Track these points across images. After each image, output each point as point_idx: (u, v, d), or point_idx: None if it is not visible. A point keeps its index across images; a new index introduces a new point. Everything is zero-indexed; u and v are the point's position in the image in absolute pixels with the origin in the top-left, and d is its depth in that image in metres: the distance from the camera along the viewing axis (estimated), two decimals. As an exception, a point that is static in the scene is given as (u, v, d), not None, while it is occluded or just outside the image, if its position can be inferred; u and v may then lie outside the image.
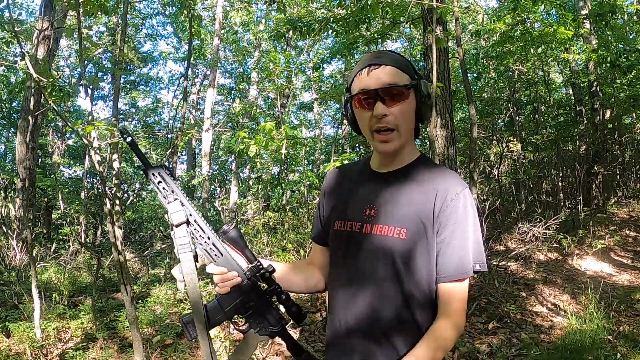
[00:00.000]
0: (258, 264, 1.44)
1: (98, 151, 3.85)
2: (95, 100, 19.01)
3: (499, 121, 12.24)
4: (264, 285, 1.46)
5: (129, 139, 1.35)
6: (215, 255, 1.42)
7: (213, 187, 19.72)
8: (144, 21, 19.18)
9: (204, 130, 12.96)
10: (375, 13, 6.44)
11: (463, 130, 11.81)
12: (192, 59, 17.08)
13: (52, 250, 8.35)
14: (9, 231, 7.17)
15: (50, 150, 16.82)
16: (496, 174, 10.51)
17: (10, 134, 17.64)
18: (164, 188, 1.38)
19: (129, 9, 16.44)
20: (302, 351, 1.49)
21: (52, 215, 12.55)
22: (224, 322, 1.50)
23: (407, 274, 1.41)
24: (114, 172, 4.05)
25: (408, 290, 1.41)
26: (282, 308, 1.50)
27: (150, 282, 7.54)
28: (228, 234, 1.44)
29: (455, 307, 1.40)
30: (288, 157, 12.07)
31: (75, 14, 5.91)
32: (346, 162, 4.48)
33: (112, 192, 4.18)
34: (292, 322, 1.51)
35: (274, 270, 1.45)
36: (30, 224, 7.28)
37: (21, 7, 17.70)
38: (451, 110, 6.74)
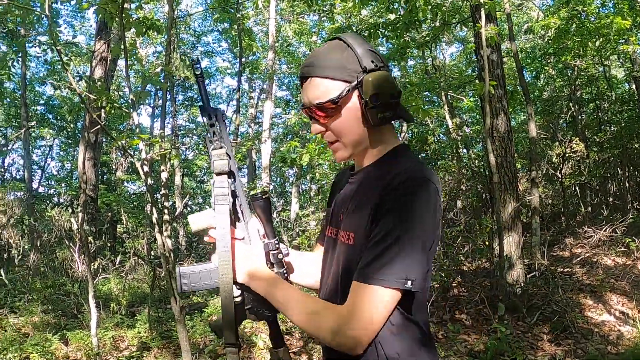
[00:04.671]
0: (275, 242, 1.37)
1: (146, 162, 3.92)
2: (156, 117, 19.69)
3: (561, 121, 11.77)
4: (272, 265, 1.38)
5: (198, 72, 1.31)
6: (238, 219, 1.36)
7: (274, 199, 19.96)
8: (199, 39, 19.76)
9: (263, 142, 13.10)
10: (424, 15, 6.32)
11: (524, 133, 11.43)
12: (247, 73, 17.45)
13: (116, 262, 8.62)
14: (71, 244, 7.47)
15: (114, 167, 17.54)
16: (559, 176, 10.10)
17: (76, 153, 18.49)
18: (214, 132, 1.32)
19: (182, 28, 17.05)
20: (282, 344, 1.41)
21: (117, 229, 13.01)
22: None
23: (347, 284, 1.23)
24: (162, 183, 4.11)
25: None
26: None
27: (209, 293, 7.63)
28: (258, 202, 1.37)
29: (353, 306, 1.16)
30: (347, 166, 12.03)
31: (131, 35, 6.12)
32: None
33: (162, 202, 4.25)
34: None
35: (287, 254, 1.40)
36: (90, 238, 7.54)
37: (80, 31, 18.61)
38: (507, 109, 6.51)
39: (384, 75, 1.25)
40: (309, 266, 1.57)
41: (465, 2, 6.68)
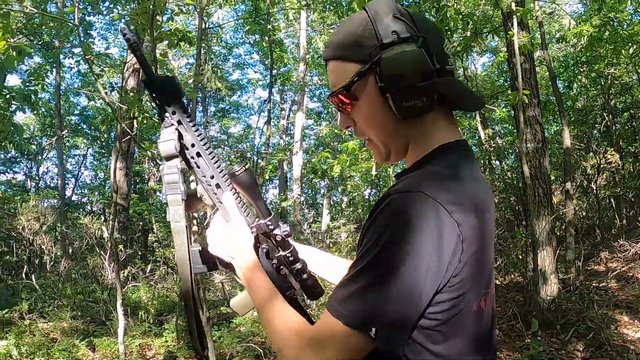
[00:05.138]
0: (268, 223, 1.15)
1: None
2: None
3: (595, 131, 11.50)
4: (277, 246, 1.19)
5: (130, 41, 0.96)
6: (218, 200, 1.12)
7: (305, 210, 19.97)
8: (231, 50, 19.99)
9: (294, 153, 13.15)
10: (456, 24, 6.27)
11: (558, 144, 11.20)
12: (279, 84, 17.56)
13: (147, 271, 8.70)
14: (102, 252, 7.58)
15: (146, 177, 17.80)
16: (594, 187, 9.85)
17: (109, 162, 18.85)
18: (164, 110, 1.03)
19: (214, 40, 17.27)
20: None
21: (149, 238, 13.17)
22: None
23: None
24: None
25: None
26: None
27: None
28: (238, 178, 1.12)
29: (316, 332, 0.95)
30: (379, 178, 11.97)
31: (164, 47, 6.21)
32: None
33: (191, 212, 4.25)
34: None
35: (288, 235, 1.18)
36: (121, 246, 7.62)
37: (113, 43, 19.06)
38: (541, 119, 6.38)
39: (407, 50, 0.94)
40: (318, 256, 1.41)
41: (496, 10, 6.58)
